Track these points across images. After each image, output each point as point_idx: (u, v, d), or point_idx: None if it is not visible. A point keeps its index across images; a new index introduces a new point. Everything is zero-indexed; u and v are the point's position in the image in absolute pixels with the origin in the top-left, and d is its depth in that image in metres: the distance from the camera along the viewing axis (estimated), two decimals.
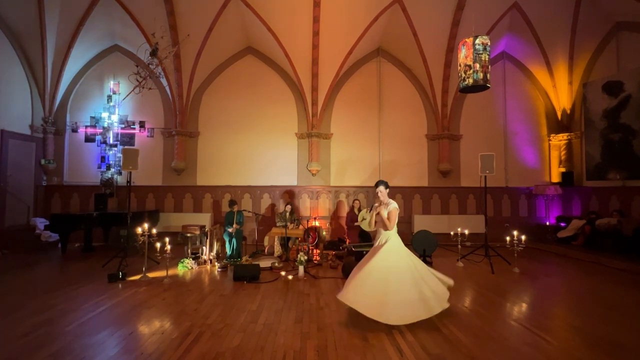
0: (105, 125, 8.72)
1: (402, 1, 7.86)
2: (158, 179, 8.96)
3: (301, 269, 5.29)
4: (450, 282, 3.85)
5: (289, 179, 9.07)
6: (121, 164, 7.47)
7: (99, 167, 8.78)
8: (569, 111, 8.97)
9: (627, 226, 6.98)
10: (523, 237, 5.71)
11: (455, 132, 9.22)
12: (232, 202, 6.84)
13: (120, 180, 8.78)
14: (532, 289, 4.85)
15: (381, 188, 3.81)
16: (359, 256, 5.59)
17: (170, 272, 5.31)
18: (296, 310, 3.88)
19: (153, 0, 7.56)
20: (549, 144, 9.34)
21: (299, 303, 4.11)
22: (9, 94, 7.87)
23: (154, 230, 5.41)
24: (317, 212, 8.82)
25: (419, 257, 6.20)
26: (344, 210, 8.79)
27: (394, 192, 8.83)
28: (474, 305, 4.10)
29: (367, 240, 6.81)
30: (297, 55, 8.50)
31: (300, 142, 9.12)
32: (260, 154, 9.08)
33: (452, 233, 6.72)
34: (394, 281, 3.42)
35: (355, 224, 7.31)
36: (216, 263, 6.00)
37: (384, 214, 3.68)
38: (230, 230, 6.48)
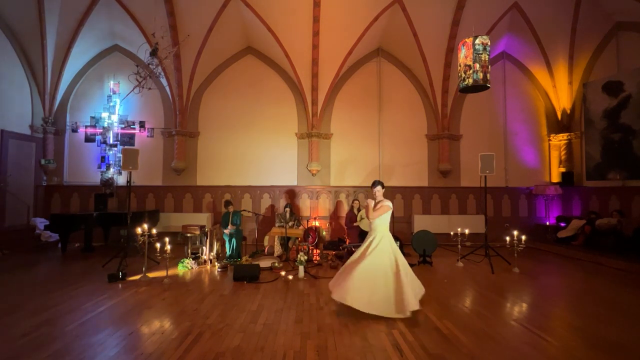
0: (105, 125, 8.72)
1: (402, 1, 7.86)
2: (158, 179, 8.96)
3: (301, 269, 5.28)
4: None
5: (289, 179, 9.07)
6: (121, 164, 7.45)
7: (99, 167, 8.77)
8: (569, 111, 8.97)
9: (627, 226, 6.98)
10: (523, 237, 5.70)
11: (455, 132, 9.22)
12: (227, 203, 6.81)
13: (120, 180, 8.78)
14: (532, 289, 4.85)
15: (379, 188, 4.09)
16: None
17: (170, 272, 5.30)
18: (296, 310, 3.88)
19: (153, 0, 7.56)
20: (549, 144, 9.33)
21: (299, 303, 4.11)
22: (9, 94, 7.87)
23: (154, 230, 5.40)
24: (317, 212, 8.81)
25: (419, 257, 6.26)
26: (344, 210, 8.78)
27: (394, 192, 8.84)
28: (474, 305, 4.10)
29: None
30: (297, 55, 8.50)
31: (300, 142, 9.12)
32: (260, 154, 9.08)
33: (452, 233, 6.71)
34: (381, 278, 3.67)
35: (355, 224, 7.32)
36: (216, 263, 6.00)
37: (371, 205, 3.96)
38: (226, 231, 6.47)
